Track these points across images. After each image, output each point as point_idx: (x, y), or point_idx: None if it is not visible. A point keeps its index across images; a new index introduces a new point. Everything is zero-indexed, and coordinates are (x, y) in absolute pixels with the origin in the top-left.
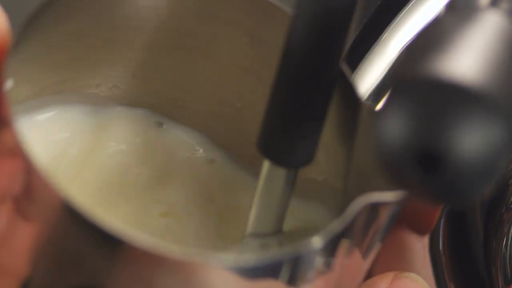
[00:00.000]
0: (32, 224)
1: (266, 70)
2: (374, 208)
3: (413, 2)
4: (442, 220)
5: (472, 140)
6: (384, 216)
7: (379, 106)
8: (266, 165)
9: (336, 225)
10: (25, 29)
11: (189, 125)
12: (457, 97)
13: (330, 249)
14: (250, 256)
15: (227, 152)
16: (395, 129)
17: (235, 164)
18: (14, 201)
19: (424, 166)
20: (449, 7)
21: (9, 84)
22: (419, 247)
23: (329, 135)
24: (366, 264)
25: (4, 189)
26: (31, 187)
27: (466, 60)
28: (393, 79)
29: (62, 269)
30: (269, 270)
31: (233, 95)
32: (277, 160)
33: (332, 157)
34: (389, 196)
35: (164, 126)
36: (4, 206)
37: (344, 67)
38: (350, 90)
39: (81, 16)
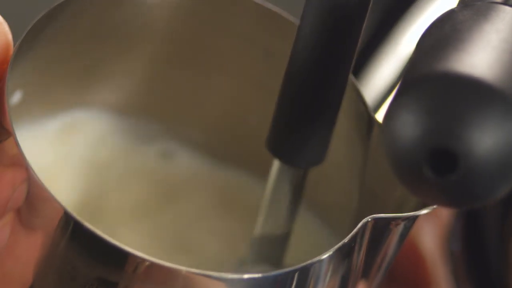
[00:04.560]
0: (35, 234)
1: (280, 84)
2: (381, 226)
3: None
4: (459, 222)
5: (489, 137)
6: (393, 235)
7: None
8: (275, 165)
9: (341, 241)
10: (33, 38)
11: (202, 139)
12: (473, 92)
13: (337, 265)
14: (254, 273)
15: (240, 167)
16: (408, 126)
17: (249, 179)
18: (17, 211)
19: (438, 165)
20: (462, 3)
21: (17, 96)
22: None
23: (342, 153)
24: (374, 284)
25: (7, 199)
26: (32, 198)
27: (483, 55)
28: (407, 74)
29: (62, 279)
30: (274, 286)
31: (247, 109)
32: (286, 159)
33: (346, 177)
34: (396, 215)
35: (176, 140)
36: (8, 216)
37: (354, 80)
38: (364, 106)
39: (92, 26)
